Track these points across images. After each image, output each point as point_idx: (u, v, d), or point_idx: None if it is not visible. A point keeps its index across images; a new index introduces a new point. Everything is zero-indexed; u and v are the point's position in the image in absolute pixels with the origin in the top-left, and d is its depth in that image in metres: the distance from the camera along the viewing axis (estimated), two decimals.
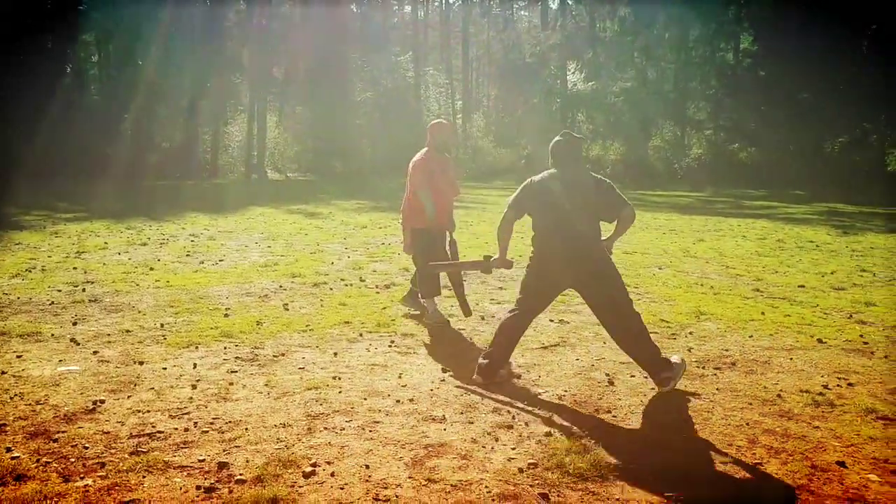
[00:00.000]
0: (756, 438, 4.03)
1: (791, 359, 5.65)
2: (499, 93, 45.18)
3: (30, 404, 4.41)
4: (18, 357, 5.37)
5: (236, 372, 5.14)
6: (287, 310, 7.05)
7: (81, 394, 4.62)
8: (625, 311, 4.74)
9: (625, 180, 31.90)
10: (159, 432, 4.02)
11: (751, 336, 6.37)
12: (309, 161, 41.82)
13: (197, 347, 5.72)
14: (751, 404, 4.59)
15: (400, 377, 5.06)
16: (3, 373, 5.00)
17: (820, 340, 6.22)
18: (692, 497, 3.31)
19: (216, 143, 36.59)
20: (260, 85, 39.08)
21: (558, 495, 3.31)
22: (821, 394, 4.80)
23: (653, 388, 4.85)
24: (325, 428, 4.08)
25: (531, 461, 3.64)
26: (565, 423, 4.21)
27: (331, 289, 8.04)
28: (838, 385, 4.99)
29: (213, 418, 4.24)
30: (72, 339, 5.87)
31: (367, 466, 3.58)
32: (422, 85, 48.36)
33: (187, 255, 10.12)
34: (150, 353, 5.56)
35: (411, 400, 4.57)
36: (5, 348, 5.60)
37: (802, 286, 8.78)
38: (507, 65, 40.61)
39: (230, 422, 4.18)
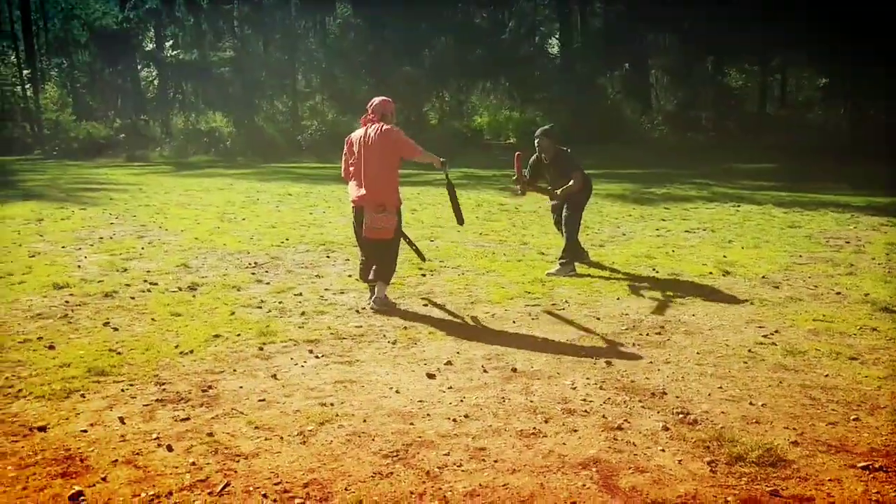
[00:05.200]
0: (836, 396, 4.25)
1: (693, 315, 6.05)
2: (82, 62, 40.47)
3: None
4: None
5: (187, 420, 4.00)
6: (117, 330, 5.63)
7: (41, 490, 3.21)
8: None
9: (246, 153, 31.02)
10: None
11: (618, 299, 6.68)
12: None
13: (83, 395, 4.32)
14: (751, 362, 4.81)
15: (398, 392, 4.37)
16: None
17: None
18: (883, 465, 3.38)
19: None
20: None
21: (780, 488, 3.14)
22: (774, 343, 5.23)
23: (682, 374, 4.84)
24: (440, 468, 3.38)
25: (708, 459, 3.42)
26: (662, 415, 4.00)
27: (132, 298, 6.60)
28: (774, 333, 5.48)
29: (284, 491, 3.23)
30: None
31: None
32: None
33: None
34: (30, 412, 4.06)
35: (466, 416, 3.98)
36: None
37: None
38: (96, 31, 36.44)
39: (319, 484, 3.22)
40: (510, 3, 34.19)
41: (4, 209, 13.01)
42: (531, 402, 4.16)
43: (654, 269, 7.92)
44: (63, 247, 9.08)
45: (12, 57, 44.61)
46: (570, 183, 7.62)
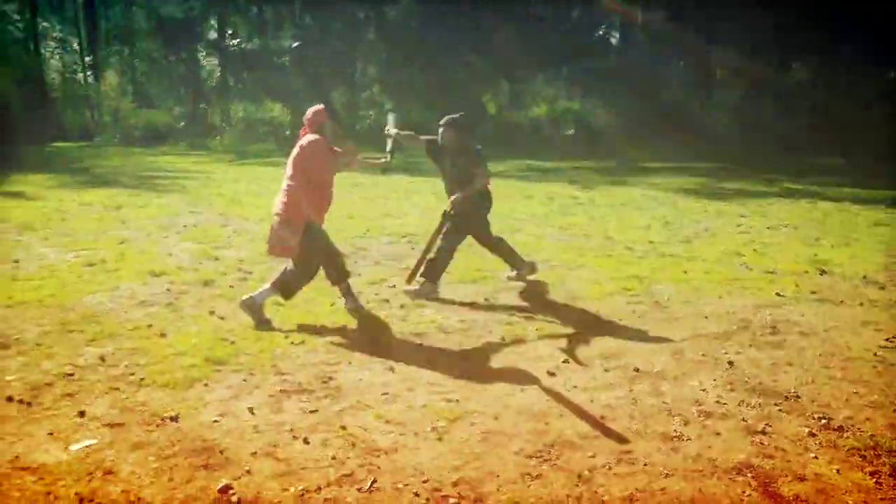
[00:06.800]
0: None
1: (802, 315, 5.87)
2: (143, 50, 41.08)
3: None
4: None
5: (315, 412, 3.98)
6: (223, 319, 5.67)
7: (188, 482, 3.18)
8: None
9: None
10: None
11: (720, 297, 6.50)
12: None
13: (206, 384, 4.32)
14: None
15: (522, 390, 4.29)
16: None
17: (779, 294, 6.55)
18: None
19: None
20: None
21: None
22: None
23: (811, 377, 4.68)
24: (590, 470, 3.30)
25: (869, 470, 3.32)
26: (803, 420, 3.87)
27: (231, 286, 6.64)
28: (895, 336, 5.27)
29: (434, 490, 3.16)
30: (8, 398, 4.07)
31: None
32: (40, 39, 42.35)
33: None
34: (156, 400, 4.08)
35: (602, 417, 3.89)
36: None
37: (652, 241, 9.21)
38: (157, 19, 36.89)
39: (468, 483, 3.15)
40: None
41: (83, 195, 13.23)
42: (664, 403, 4.04)
43: (746, 267, 7.71)
44: (148, 234, 9.17)
45: (75, 44, 45.52)
46: (473, 182, 6.38)
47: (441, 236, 6.48)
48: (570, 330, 5.48)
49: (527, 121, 31.61)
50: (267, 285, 5.69)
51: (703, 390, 4.24)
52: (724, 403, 4.04)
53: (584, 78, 31.71)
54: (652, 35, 31.97)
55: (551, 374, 4.52)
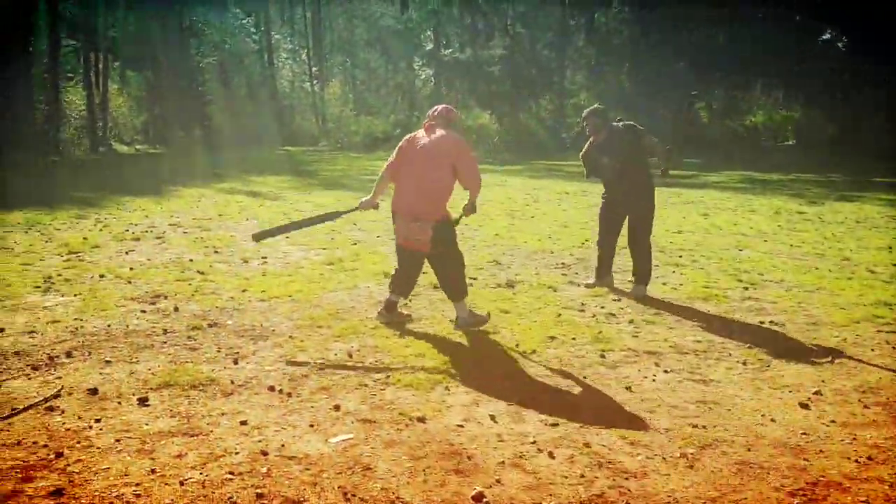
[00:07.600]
0: None
1: None
2: (363, 60, 43.44)
3: None
4: (243, 423, 3.83)
5: (556, 426, 3.99)
6: (453, 322, 5.77)
7: (442, 486, 3.26)
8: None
9: (512, 149, 31.57)
10: None
11: None
12: (156, 131, 37.95)
13: (447, 388, 4.48)
14: None
15: (773, 420, 4.05)
16: (265, 454, 3.49)
17: None
18: None
19: (55, 114, 31.71)
20: (93, 46, 34.44)
21: None
22: None
23: None
24: None
25: None
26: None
27: None
28: None
29: None
30: (270, 388, 4.36)
31: None
32: (273, 50, 45.76)
33: (215, 252, 8.37)
34: (402, 399, 4.26)
35: (870, 458, 3.60)
36: (201, 408, 4.01)
37: None
38: (377, 31, 38.89)
39: None
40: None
41: (313, 198, 14.12)
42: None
43: None
44: (378, 236, 9.62)
45: (303, 55, 48.80)
46: (660, 154, 6.84)
47: (639, 241, 6.96)
48: (818, 358, 5.12)
49: (743, 130, 30.18)
50: (455, 304, 5.68)
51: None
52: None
53: (807, 85, 29.76)
54: (883, 39, 29.42)
55: (804, 405, 4.24)
